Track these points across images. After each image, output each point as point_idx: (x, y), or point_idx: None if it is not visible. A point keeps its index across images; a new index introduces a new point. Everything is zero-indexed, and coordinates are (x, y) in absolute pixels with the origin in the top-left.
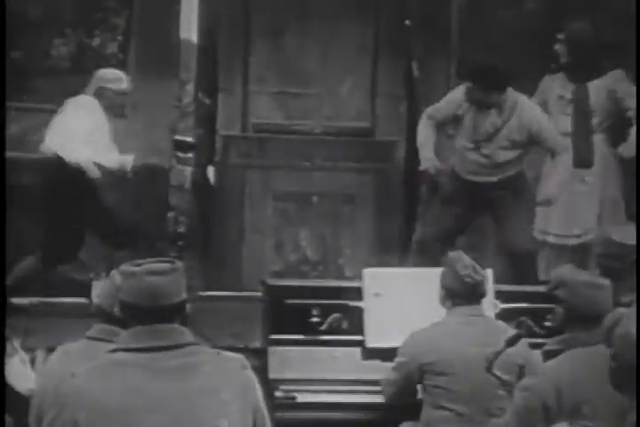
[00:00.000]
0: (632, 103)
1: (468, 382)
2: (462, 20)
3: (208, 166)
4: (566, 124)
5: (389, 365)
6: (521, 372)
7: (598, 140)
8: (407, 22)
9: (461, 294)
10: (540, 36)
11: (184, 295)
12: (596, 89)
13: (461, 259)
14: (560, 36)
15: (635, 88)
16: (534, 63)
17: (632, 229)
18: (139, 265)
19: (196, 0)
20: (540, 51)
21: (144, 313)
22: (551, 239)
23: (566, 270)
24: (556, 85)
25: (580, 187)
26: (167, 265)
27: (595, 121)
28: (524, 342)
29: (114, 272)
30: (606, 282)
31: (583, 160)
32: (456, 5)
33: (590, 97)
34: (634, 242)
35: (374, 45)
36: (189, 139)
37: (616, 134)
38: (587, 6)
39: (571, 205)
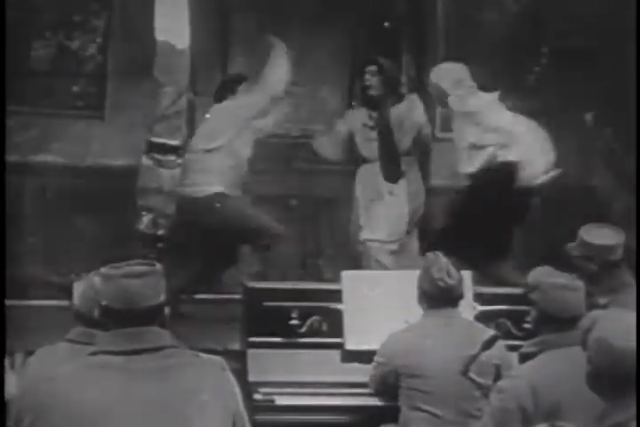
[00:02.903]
0: (425, 125)
1: (444, 383)
2: (448, 23)
3: None
4: (371, 148)
5: (369, 367)
6: (497, 372)
7: (408, 160)
8: (386, 24)
9: (435, 297)
10: (525, 39)
11: (162, 298)
12: (395, 114)
13: (437, 262)
14: (371, 69)
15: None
16: (519, 65)
17: (605, 230)
18: (117, 268)
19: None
20: (524, 53)
21: (122, 316)
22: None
23: (541, 273)
24: (361, 116)
25: (391, 198)
26: (144, 268)
27: (399, 140)
28: (501, 343)
29: (92, 275)
30: (579, 284)
31: (391, 176)
32: (442, 9)
33: (392, 121)
34: (607, 242)
35: (352, 48)
36: (167, 141)
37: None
38: (570, 9)
39: (384, 214)
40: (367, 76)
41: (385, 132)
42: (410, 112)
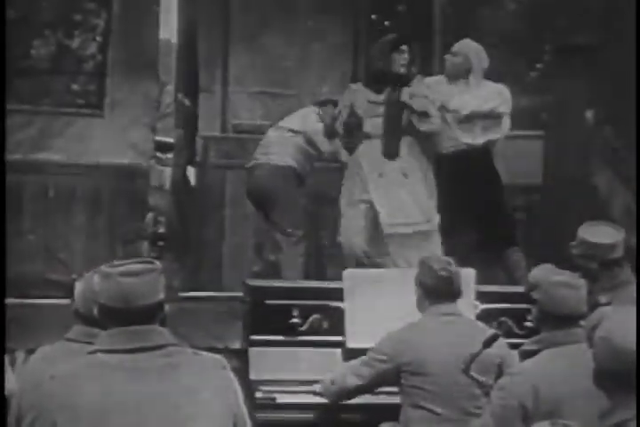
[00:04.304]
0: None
1: (445, 381)
2: (446, 19)
3: (188, 167)
4: (375, 125)
5: None
6: (499, 371)
7: (408, 140)
8: (386, 23)
9: (437, 289)
10: (523, 36)
11: (161, 296)
12: (405, 93)
13: (436, 257)
14: (404, 48)
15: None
16: (517, 62)
17: (605, 228)
18: (115, 266)
19: (175, 0)
20: (522, 50)
21: (121, 314)
22: (400, 230)
23: (542, 271)
24: (364, 92)
25: (405, 180)
26: (142, 266)
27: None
28: (503, 342)
29: (90, 274)
30: (580, 282)
31: (390, 153)
32: (439, 5)
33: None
34: (607, 240)
35: (354, 45)
36: (170, 139)
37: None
38: (566, 7)
39: (401, 197)
40: (402, 55)
41: (394, 111)
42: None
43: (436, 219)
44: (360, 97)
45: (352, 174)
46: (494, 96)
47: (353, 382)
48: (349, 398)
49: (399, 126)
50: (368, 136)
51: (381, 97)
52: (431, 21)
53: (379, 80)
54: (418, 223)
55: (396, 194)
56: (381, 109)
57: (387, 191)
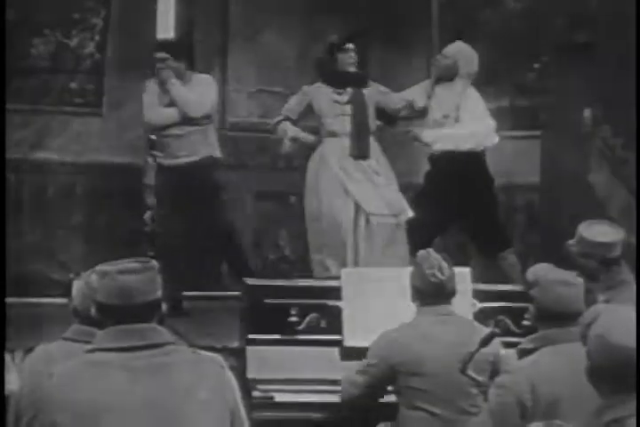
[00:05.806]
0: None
1: (441, 381)
2: (443, 19)
3: None
4: (340, 124)
5: None
6: (492, 369)
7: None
8: None
9: (428, 293)
10: (521, 36)
11: (158, 294)
12: (368, 95)
13: (428, 258)
14: (350, 46)
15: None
16: (515, 63)
17: (605, 227)
18: (113, 265)
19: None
20: (520, 50)
21: (119, 312)
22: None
23: (540, 269)
24: (327, 92)
25: (377, 178)
26: (140, 264)
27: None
28: (496, 340)
29: (88, 273)
30: (578, 280)
31: (360, 153)
32: (436, 5)
33: (366, 101)
34: (606, 239)
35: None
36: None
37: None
38: (565, 6)
39: (376, 192)
40: (348, 54)
41: (361, 111)
42: (382, 96)
43: (406, 215)
44: (323, 96)
45: (319, 171)
46: (469, 137)
47: (352, 391)
48: (364, 404)
49: (367, 126)
50: (334, 134)
51: (344, 97)
52: (430, 21)
53: (333, 79)
54: (391, 216)
55: (370, 189)
56: (345, 109)
57: (361, 186)
